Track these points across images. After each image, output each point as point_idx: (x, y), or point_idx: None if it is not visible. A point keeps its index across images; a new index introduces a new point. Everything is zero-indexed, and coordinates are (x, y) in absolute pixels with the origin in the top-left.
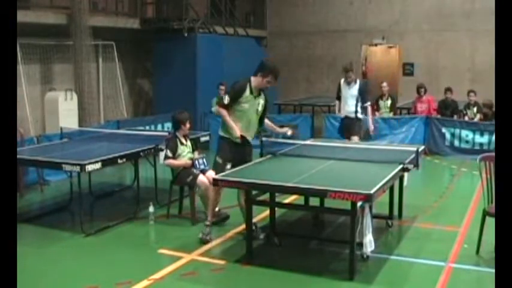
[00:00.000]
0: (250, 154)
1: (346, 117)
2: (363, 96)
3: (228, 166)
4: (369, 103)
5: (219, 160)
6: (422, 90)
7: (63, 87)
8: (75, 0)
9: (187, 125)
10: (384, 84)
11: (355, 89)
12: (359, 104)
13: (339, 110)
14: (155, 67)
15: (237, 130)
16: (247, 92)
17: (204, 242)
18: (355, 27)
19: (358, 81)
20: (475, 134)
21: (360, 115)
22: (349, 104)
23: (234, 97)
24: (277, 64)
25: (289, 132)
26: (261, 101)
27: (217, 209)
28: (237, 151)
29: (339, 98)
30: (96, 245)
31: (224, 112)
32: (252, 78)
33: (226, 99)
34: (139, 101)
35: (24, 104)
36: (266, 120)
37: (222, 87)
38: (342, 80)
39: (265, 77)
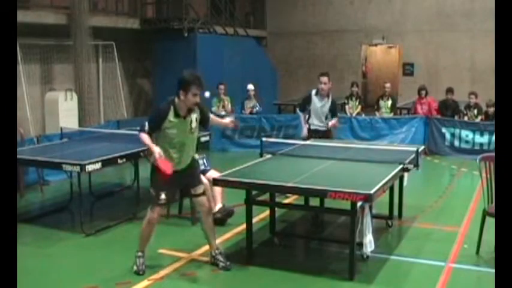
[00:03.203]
0: (193, 176)
1: (316, 131)
2: (334, 112)
3: (163, 196)
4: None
5: (152, 192)
6: (424, 92)
7: (63, 87)
8: (75, 0)
9: None
10: (388, 85)
11: (326, 107)
12: (328, 119)
13: (306, 122)
14: (155, 67)
15: (156, 152)
16: (171, 116)
17: (138, 273)
18: (355, 27)
19: (330, 96)
20: (475, 134)
21: (329, 124)
22: (320, 119)
23: (156, 125)
24: (277, 64)
25: (231, 125)
26: (194, 116)
27: (220, 205)
28: (173, 177)
29: (303, 109)
30: (96, 245)
31: (143, 137)
32: (176, 100)
33: (146, 127)
34: (139, 101)
35: (24, 104)
36: (211, 117)
37: (222, 87)
38: (313, 92)
39: (187, 92)
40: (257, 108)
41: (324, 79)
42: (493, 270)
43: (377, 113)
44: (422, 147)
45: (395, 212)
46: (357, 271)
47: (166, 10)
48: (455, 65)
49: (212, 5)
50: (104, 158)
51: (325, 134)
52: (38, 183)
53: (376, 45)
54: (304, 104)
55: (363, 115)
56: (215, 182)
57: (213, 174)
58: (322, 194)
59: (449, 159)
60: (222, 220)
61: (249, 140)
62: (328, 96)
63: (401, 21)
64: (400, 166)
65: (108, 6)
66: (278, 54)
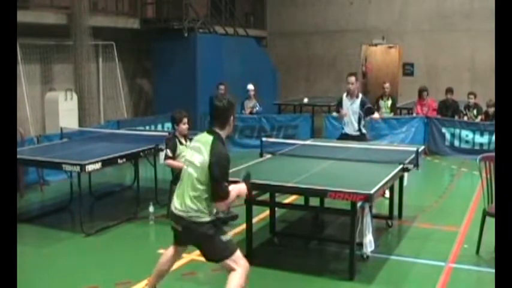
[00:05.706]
0: (197, 239)
1: (347, 134)
2: (368, 108)
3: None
4: (376, 113)
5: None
6: (425, 93)
7: (63, 87)
8: (75, 0)
9: (185, 125)
10: (387, 85)
11: (356, 104)
12: (362, 122)
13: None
14: (155, 67)
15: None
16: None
17: None
18: (355, 27)
19: (360, 96)
20: (475, 134)
21: (364, 130)
22: (351, 121)
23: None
24: (277, 64)
25: None
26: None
27: None
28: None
29: (339, 112)
30: (96, 245)
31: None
32: (222, 132)
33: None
34: (139, 101)
35: (24, 104)
36: None
37: (222, 87)
38: (344, 94)
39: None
40: (257, 108)
41: (351, 79)
42: (493, 270)
43: (377, 113)
44: (422, 147)
45: (396, 212)
46: (357, 271)
47: (166, 10)
48: (455, 65)
49: (212, 5)
50: (104, 158)
51: (357, 139)
52: (38, 183)
53: (376, 45)
54: (338, 107)
55: None
56: None
57: None
58: (322, 194)
59: (449, 159)
60: (224, 222)
61: (249, 140)
62: (357, 96)
63: (401, 21)
64: (400, 166)
65: (108, 6)
66: (278, 54)
